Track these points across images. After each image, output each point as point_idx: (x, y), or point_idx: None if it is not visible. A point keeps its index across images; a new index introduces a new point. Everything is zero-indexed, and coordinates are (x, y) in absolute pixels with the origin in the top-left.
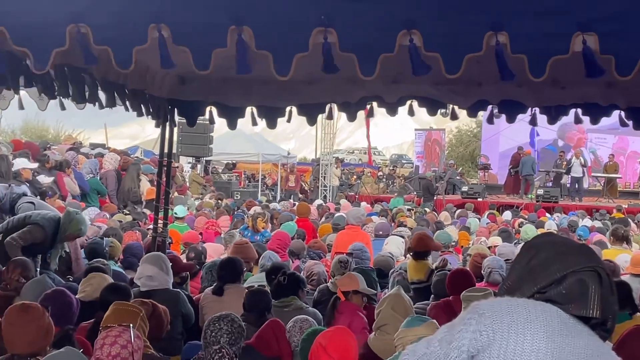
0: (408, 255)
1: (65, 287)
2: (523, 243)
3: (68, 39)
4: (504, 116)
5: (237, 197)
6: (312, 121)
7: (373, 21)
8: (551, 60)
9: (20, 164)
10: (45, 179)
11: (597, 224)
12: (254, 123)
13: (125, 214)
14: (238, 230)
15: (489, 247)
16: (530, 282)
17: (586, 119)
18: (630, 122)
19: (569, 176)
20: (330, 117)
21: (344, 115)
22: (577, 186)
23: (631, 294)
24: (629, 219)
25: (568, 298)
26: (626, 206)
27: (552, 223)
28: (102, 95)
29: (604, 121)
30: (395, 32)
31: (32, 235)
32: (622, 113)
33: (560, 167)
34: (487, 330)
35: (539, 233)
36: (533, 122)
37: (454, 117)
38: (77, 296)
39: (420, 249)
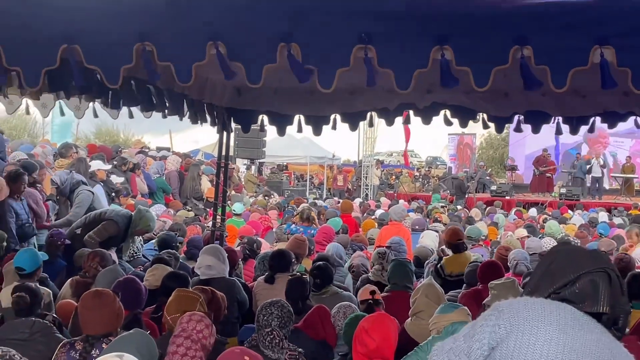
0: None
1: (134, 275)
2: (546, 238)
3: (135, 57)
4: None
5: (287, 194)
6: (354, 127)
7: (408, 38)
8: (572, 71)
9: (96, 165)
10: (117, 179)
11: (617, 220)
12: (299, 130)
13: (188, 210)
14: (286, 225)
15: (518, 239)
16: (548, 284)
17: (603, 124)
18: None
19: (590, 176)
20: (371, 124)
21: (382, 120)
22: (597, 185)
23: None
24: None
25: (581, 297)
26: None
27: (578, 218)
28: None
29: (622, 125)
30: (429, 49)
31: (107, 231)
32: (638, 119)
33: (574, 167)
34: (505, 324)
35: (558, 242)
36: (558, 131)
37: (486, 126)
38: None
39: (454, 241)
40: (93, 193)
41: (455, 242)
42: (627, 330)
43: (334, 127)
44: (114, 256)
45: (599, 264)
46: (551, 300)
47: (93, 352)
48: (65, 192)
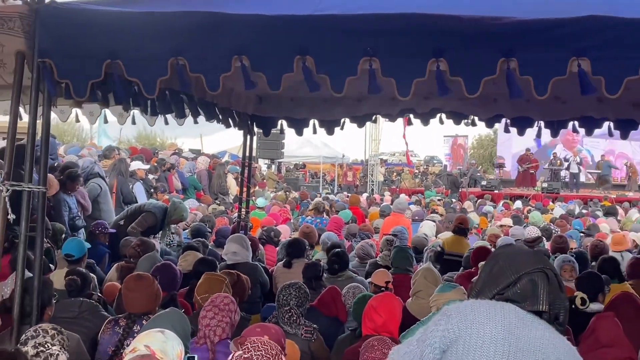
0: (440, 235)
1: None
2: (530, 226)
3: (169, 70)
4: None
5: (303, 189)
6: (361, 125)
7: (408, 51)
8: (552, 80)
9: (136, 165)
10: (153, 178)
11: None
12: (314, 132)
13: (218, 204)
14: (302, 217)
15: (500, 227)
16: (492, 285)
17: (582, 128)
18: (617, 132)
19: (568, 172)
20: (374, 121)
21: (386, 124)
22: (574, 180)
23: (619, 267)
24: (617, 206)
25: (522, 296)
26: (614, 196)
27: (558, 209)
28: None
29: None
30: (426, 61)
31: (147, 221)
32: (612, 124)
33: (555, 165)
34: (453, 328)
35: (501, 244)
36: (539, 134)
37: (474, 124)
38: None
39: (462, 226)
40: (101, 188)
41: (458, 225)
42: (602, 306)
43: (342, 128)
44: (157, 244)
45: (538, 265)
46: (496, 302)
47: (135, 327)
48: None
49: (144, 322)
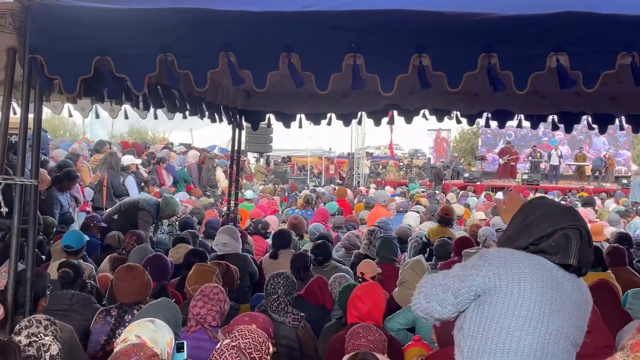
0: (422, 225)
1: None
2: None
3: (158, 66)
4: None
5: (290, 182)
6: (347, 124)
7: (391, 48)
8: (531, 75)
9: (128, 160)
10: (144, 171)
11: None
12: (300, 126)
13: (208, 197)
14: (291, 208)
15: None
16: (526, 235)
17: (561, 124)
18: (595, 126)
19: (548, 164)
20: (359, 122)
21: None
22: (554, 172)
23: (602, 256)
24: (595, 197)
25: (555, 249)
26: (592, 187)
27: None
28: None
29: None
30: (409, 56)
31: (147, 222)
32: (590, 118)
33: (535, 157)
34: (494, 278)
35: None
36: (519, 125)
37: (458, 121)
38: None
39: (447, 217)
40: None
41: (443, 215)
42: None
43: (329, 123)
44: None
45: (574, 222)
46: (531, 256)
47: (126, 317)
48: None
49: (135, 311)
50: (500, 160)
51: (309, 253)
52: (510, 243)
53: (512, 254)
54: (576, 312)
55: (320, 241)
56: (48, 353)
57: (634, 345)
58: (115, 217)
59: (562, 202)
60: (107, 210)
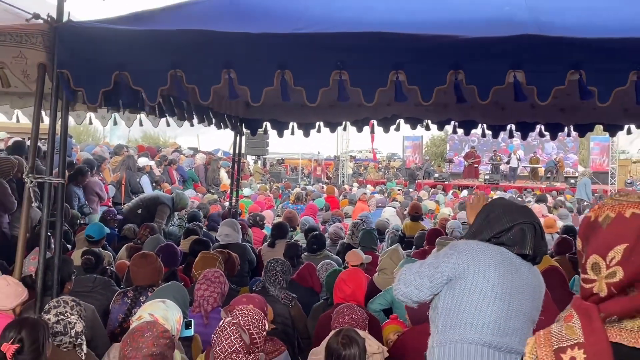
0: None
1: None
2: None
3: (169, 80)
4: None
5: (284, 181)
6: (333, 131)
7: (373, 65)
8: (492, 89)
9: (143, 161)
10: (158, 171)
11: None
12: (292, 133)
13: (212, 194)
14: (284, 203)
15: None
16: (489, 229)
17: (518, 132)
18: (547, 134)
19: (508, 166)
20: (344, 129)
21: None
22: (513, 173)
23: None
24: (547, 195)
25: (513, 241)
26: (545, 186)
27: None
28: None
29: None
30: (388, 72)
31: (165, 213)
32: (543, 127)
33: (496, 160)
34: (463, 264)
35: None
36: (483, 134)
37: (428, 129)
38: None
39: (413, 213)
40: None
41: (414, 213)
42: None
43: (318, 131)
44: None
45: (529, 218)
46: (494, 246)
47: (141, 298)
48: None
49: (149, 293)
50: (466, 162)
51: (300, 243)
52: (475, 236)
53: (478, 244)
54: (532, 293)
55: (316, 232)
56: (74, 330)
57: (566, 317)
58: (139, 211)
59: (519, 200)
60: (129, 205)
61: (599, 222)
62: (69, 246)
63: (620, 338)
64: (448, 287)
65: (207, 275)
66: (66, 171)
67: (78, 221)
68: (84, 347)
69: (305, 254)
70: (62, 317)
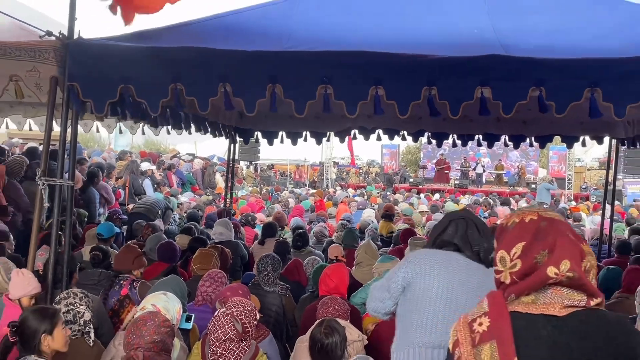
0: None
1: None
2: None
3: (170, 93)
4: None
5: (274, 185)
6: (319, 142)
7: (355, 80)
8: (463, 104)
9: (145, 166)
10: (158, 175)
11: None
12: (282, 142)
13: (208, 196)
14: (273, 205)
15: (420, 212)
16: (433, 233)
17: (484, 141)
18: (511, 144)
19: (475, 172)
20: (328, 139)
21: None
22: (479, 179)
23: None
24: (510, 198)
25: (450, 236)
26: (508, 190)
27: (466, 200)
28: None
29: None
30: (368, 87)
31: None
32: (507, 138)
33: (465, 166)
34: (411, 272)
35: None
36: (454, 145)
37: (404, 139)
38: None
39: (389, 213)
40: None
41: (385, 212)
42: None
43: (305, 140)
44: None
45: (461, 215)
46: (441, 252)
47: (114, 285)
48: None
49: (122, 282)
50: (436, 168)
51: (288, 241)
52: (429, 245)
53: (426, 252)
54: (479, 291)
55: (301, 231)
56: (82, 319)
57: (480, 301)
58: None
59: (468, 204)
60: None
61: (507, 225)
62: (75, 242)
63: (517, 308)
64: (403, 294)
65: (211, 275)
66: (79, 175)
67: (85, 219)
68: (92, 334)
69: (291, 250)
70: (71, 307)
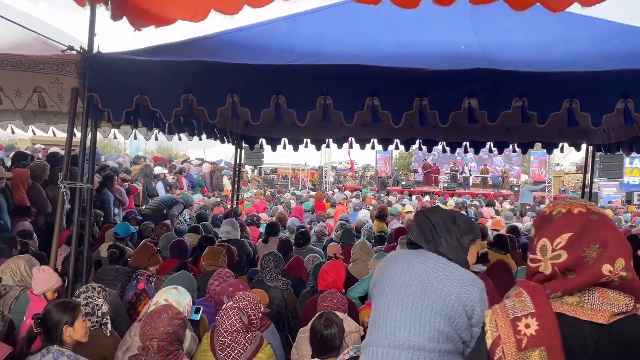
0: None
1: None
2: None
3: (182, 103)
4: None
5: (277, 187)
6: (318, 148)
7: (352, 91)
8: (451, 114)
9: (158, 170)
10: (171, 178)
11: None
12: (284, 148)
13: (216, 197)
14: (276, 206)
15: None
16: (408, 235)
17: (472, 148)
18: (495, 150)
19: (462, 176)
20: (327, 146)
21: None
22: (466, 182)
23: (506, 241)
24: (495, 200)
25: (415, 236)
26: (493, 192)
27: (452, 202)
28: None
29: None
30: (365, 98)
31: (179, 207)
32: (492, 144)
33: (453, 170)
34: (377, 274)
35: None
36: (443, 151)
37: (397, 147)
38: None
39: (381, 214)
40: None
41: (379, 213)
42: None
43: (306, 146)
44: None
45: (422, 216)
46: (404, 252)
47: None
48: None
49: (139, 277)
50: (423, 172)
51: (291, 239)
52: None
53: (394, 253)
54: (440, 289)
55: (302, 229)
56: (100, 311)
57: (517, 294)
58: (164, 211)
59: (457, 205)
60: (152, 207)
61: (552, 215)
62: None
63: (563, 309)
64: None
65: (220, 274)
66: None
67: (101, 219)
68: (109, 325)
69: (293, 248)
70: (90, 300)
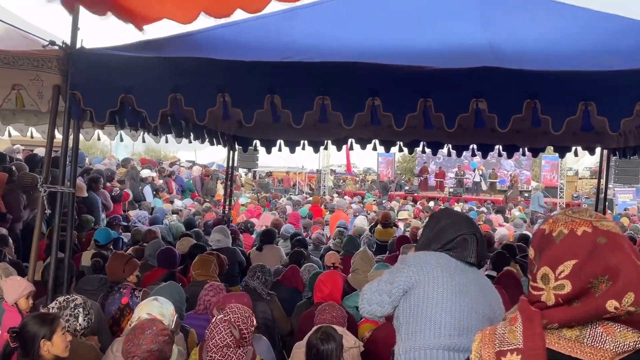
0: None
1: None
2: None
3: (169, 103)
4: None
5: (272, 192)
6: (316, 150)
7: (351, 92)
8: (458, 116)
9: (146, 173)
10: (159, 182)
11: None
12: (280, 150)
13: (207, 203)
14: (272, 211)
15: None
16: (436, 242)
17: (479, 152)
18: (504, 153)
19: (470, 180)
20: (325, 148)
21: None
22: (476, 187)
23: (515, 251)
24: (505, 206)
25: (457, 250)
26: (502, 198)
27: (458, 208)
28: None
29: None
30: (365, 99)
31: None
32: (501, 147)
33: (460, 175)
34: (414, 275)
35: (441, 208)
36: (449, 154)
37: (401, 150)
38: None
39: (385, 221)
40: None
41: (384, 221)
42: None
43: (302, 148)
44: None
45: (470, 229)
46: (440, 255)
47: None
48: None
49: (122, 290)
50: (421, 177)
51: (304, 251)
52: (424, 248)
53: (424, 254)
54: (482, 291)
55: (300, 237)
56: (80, 324)
57: (511, 319)
58: None
59: (463, 212)
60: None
61: (553, 236)
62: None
63: (559, 346)
64: (405, 298)
65: (213, 285)
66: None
67: (92, 224)
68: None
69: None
70: (70, 312)
